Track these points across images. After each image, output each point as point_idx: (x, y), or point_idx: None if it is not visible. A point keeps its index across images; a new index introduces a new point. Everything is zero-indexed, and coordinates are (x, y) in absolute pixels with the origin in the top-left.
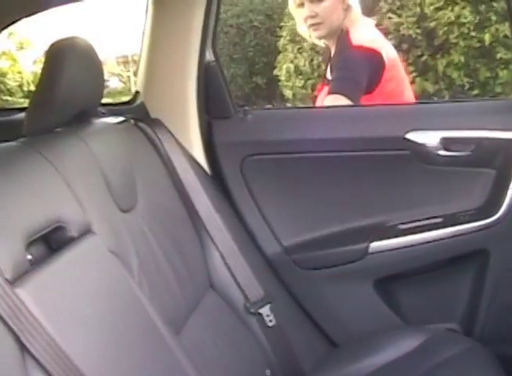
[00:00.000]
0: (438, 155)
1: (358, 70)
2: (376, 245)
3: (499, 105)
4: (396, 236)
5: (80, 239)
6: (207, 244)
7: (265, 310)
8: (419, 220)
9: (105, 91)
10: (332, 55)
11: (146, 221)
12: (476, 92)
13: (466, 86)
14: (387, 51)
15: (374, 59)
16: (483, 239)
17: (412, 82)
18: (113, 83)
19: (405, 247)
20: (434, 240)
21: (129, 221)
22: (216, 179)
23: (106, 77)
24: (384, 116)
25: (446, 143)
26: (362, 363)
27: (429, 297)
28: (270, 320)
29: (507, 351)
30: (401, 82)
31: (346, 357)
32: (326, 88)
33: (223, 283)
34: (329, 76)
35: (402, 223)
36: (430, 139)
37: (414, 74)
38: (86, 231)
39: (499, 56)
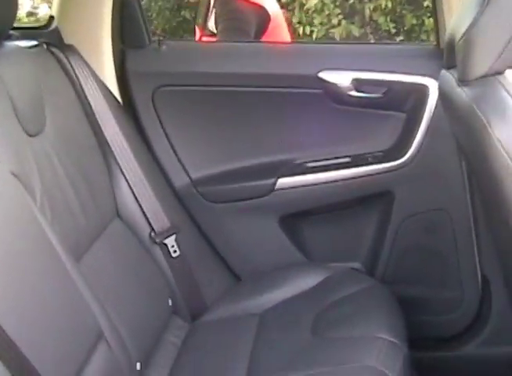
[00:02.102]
0: (350, 96)
1: (246, 21)
2: (283, 182)
3: (411, 49)
4: (303, 174)
5: None
6: (115, 173)
7: (170, 241)
8: (327, 159)
9: (33, 18)
10: (212, 5)
11: (53, 146)
12: (401, 38)
13: (393, 31)
14: (270, 5)
15: (259, 11)
16: (388, 181)
17: (338, 25)
18: (43, 10)
19: (312, 185)
20: (341, 180)
21: (35, 145)
22: (127, 109)
23: (36, 4)
24: (298, 54)
25: (358, 84)
26: (262, 298)
27: (334, 236)
28: (174, 251)
29: (406, 292)
30: (284, 33)
31: (247, 291)
32: (206, 39)
33: (129, 212)
34: (211, 27)
35: (310, 161)
36: (342, 79)
37: (340, 17)
38: None
39: (426, 3)
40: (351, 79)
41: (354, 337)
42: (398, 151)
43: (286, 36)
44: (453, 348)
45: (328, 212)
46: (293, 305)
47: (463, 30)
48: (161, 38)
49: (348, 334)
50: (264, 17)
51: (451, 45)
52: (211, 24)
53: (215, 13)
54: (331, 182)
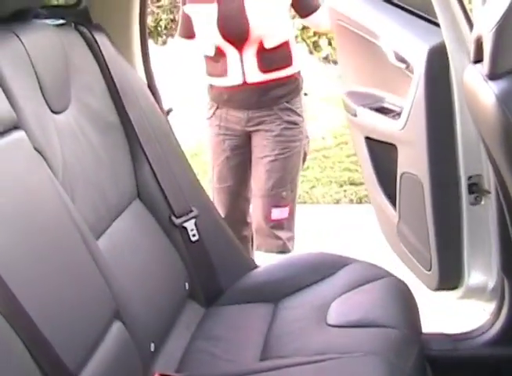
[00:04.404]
0: None
1: None
2: None
3: None
4: None
5: (5, 134)
6: (138, 154)
7: (190, 224)
8: None
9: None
10: None
11: (77, 124)
12: None
13: None
14: None
15: None
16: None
17: None
18: None
19: None
20: None
21: (59, 122)
22: (152, 89)
23: None
24: None
25: None
26: (278, 285)
27: None
28: (194, 235)
29: None
30: None
31: (263, 278)
32: None
33: (150, 194)
34: None
35: None
36: None
37: None
38: (12, 127)
39: None
40: None
41: (368, 327)
42: None
43: None
44: (464, 347)
45: None
46: (308, 294)
47: (493, 22)
48: None
49: (363, 323)
50: None
51: (479, 37)
52: None
53: None
54: None
